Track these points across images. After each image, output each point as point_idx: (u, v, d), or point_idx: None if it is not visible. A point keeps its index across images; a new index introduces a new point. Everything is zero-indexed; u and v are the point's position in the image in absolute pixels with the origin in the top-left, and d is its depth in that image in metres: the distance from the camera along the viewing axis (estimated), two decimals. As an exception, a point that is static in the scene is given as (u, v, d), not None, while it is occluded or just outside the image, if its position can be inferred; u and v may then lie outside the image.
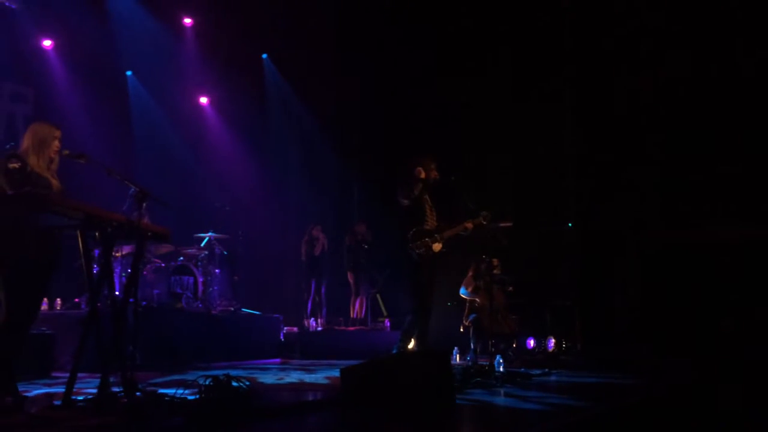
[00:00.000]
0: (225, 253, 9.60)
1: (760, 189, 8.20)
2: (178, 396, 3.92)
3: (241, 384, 3.76)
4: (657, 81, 9.01)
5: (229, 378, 3.74)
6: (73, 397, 3.91)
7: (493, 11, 9.98)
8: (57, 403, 3.89)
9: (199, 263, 8.92)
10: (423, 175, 6.11)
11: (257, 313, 9.45)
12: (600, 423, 3.98)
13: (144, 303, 7.88)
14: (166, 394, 4.03)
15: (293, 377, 6.28)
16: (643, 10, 9.05)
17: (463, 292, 8.40)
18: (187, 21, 11.59)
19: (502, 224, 6.63)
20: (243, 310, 9.24)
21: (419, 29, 10.44)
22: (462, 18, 10.21)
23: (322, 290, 10.50)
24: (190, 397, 3.90)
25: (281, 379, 6.10)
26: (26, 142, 4.34)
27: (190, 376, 3.91)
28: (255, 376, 6.15)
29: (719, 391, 5.53)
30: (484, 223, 6.20)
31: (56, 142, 4.38)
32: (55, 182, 4.33)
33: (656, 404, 4.77)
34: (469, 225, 6.20)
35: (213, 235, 9.31)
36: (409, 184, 6.08)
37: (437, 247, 6.01)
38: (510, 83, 9.96)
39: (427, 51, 10.36)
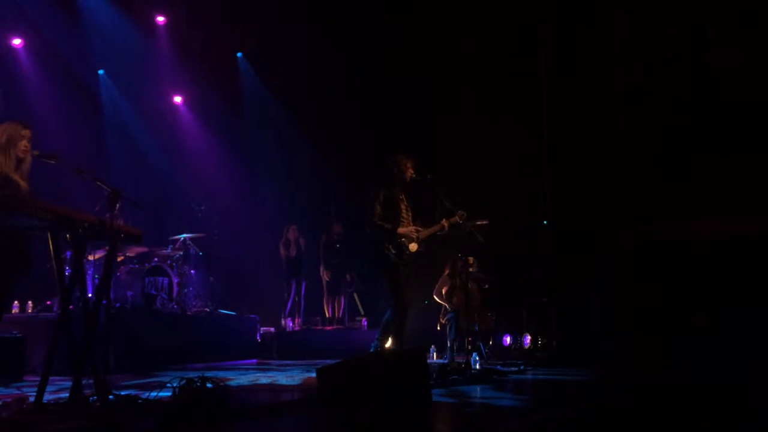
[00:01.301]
0: (200, 253, 9.53)
1: (734, 184, 8.34)
2: (151, 398, 3.88)
3: (216, 385, 3.73)
4: (630, 78, 9.11)
5: (204, 379, 3.71)
6: (45, 401, 3.85)
7: (468, 8, 10.01)
8: (29, 405, 3.83)
9: (174, 264, 8.84)
10: (398, 174, 6.09)
11: (233, 313, 9.39)
12: (571, 420, 4.01)
13: (118, 305, 7.80)
14: (139, 397, 3.99)
15: (270, 378, 6.25)
16: (617, 6, 9.15)
17: (438, 297, 8.43)
18: (160, 19, 11.47)
19: (478, 222, 6.66)
20: (219, 310, 9.17)
21: (395, 27, 10.44)
22: (437, 15, 10.23)
23: (302, 290, 10.47)
24: (164, 399, 3.86)
25: (257, 379, 6.07)
26: (-7, 141, 4.26)
27: (164, 378, 3.87)
28: (231, 377, 6.11)
29: (690, 390, 5.60)
30: (460, 222, 6.21)
31: (24, 142, 4.30)
32: (23, 183, 4.25)
33: (625, 403, 4.83)
34: (446, 224, 6.20)
35: (188, 235, 9.23)
36: (382, 184, 6.06)
37: (413, 247, 6.00)
38: (485, 81, 10.00)
39: (403, 49, 10.37)
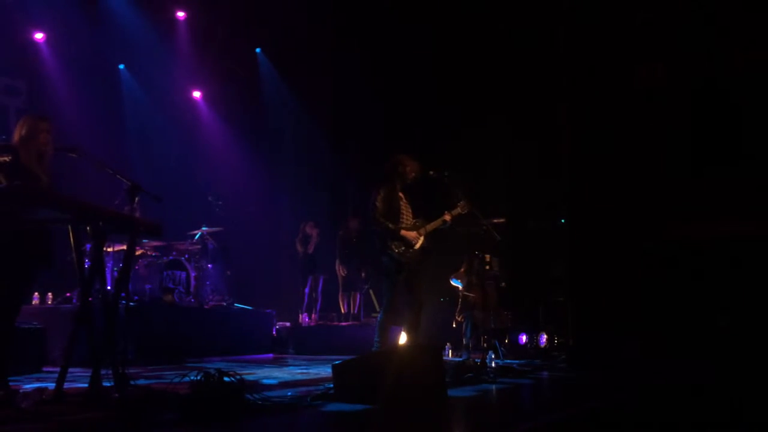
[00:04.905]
0: (218, 247, 9.57)
1: (756, 186, 8.22)
2: (169, 391, 3.91)
3: (233, 379, 3.75)
4: (652, 78, 9.01)
5: (221, 373, 3.73)
6: (65, 391, 3.89)
7: (490, 6, 9.97)
8: (49, 395, 3.87)
9: (192, 258, 8.90)
10: (400, 174, 6.06)
11: (250, 308, 9.43)
12: (586, 420, 3.99)
13: (136, 298, 7.86)
14: (157, 389, 4.01)
15: (285, 372, 6.28)
16: (640, 7, 9.05)
17: (455, 282, 8.39)
18: (180, 14, 11.53)
19: (495, 220, 6.63)
20: (235, 305, 9.22)
21: (416, 23, 10.42)
22: (459, 13, 10.20)
23: (319, 286, 10.49)
24: (181, 392, 3.88)
25: (273, 374, 6.10)
26: (16, 135, 4.34)
27: (181, 371, 3.90)
28: (247, 371, 6.14)
29: (704, 392, 5.54)
30: (462, 212, 6.14)
31: (43, 135, 4.35)
32: (44, 176, 4.30)
33: (638, 404, 4.79)
34: (447, 217, 6.12)
35: (206, 229, 9.28)
36: (383, 183, 6.03)
37: (418, 244, 5.96)
38: (505, 78, 9.95)
39: (424, 46, 10.34)
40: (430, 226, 6.10)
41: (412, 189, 6.20)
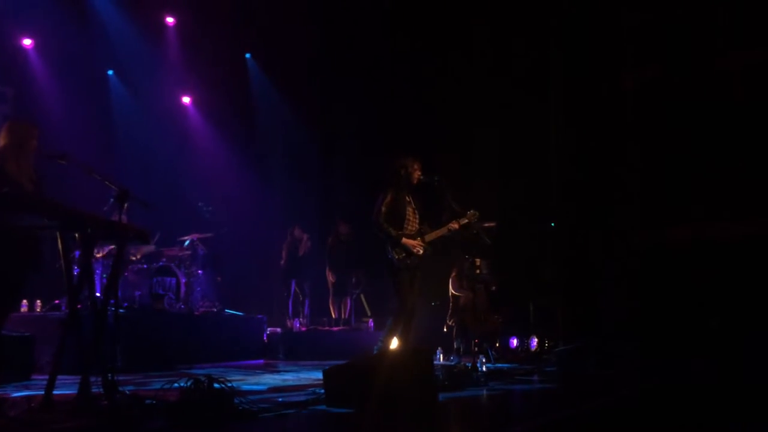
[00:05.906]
0: (208, 253, 9.53)
1: (747, 186, 8.26)
2: (159, 398, 3.89)
3: (223, 385, 3.74)
4: (647, 79, 9.06)
5: (211, 379, 3.72)
6: (53, 399, 3.87)
7: (479, 9, 10.02)
8: (37, 403, 3.85)
9: (182, 264, 8.86)
10: (405, 177, 6.01)
11: (240, 314, 9.40)
12: (577, 422, 4.00)
13: (126, 304, 7.82)
14: (147, 396, 4.00)
15: (276, 378, 6.26)
16: (630, 7, 9.10)
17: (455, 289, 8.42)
18: (170, 20, 11.52)
19: (486, 224, 6.62)
20: (226, 311, 9.18)
21: (406, 27, 10.45)
22: (447, 15, 10.23)
23: (306, 290, 10.46)
24: (171, 399, 3.87)
25: (264, 380, 6.08)
26: (2, 141, 4.30)
27: (171, 378, 3.88)
28: (238, 377, 6.12)
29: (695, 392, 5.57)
30: (472, 221, 6.03)
31: (33, 142, 4.34)
32: (28, 183, 4.28)
33: (630, 405, 4.81)
34: (455, 225, 6.01)
35: (196, 235, 9.25)
36: (389, 187, 5.99)
37: (419, 252, 5.93)
38: (496, 83, 9.99)
39: (413, 49, 10.37)
40: (434, 235, 6.00)
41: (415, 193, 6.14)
